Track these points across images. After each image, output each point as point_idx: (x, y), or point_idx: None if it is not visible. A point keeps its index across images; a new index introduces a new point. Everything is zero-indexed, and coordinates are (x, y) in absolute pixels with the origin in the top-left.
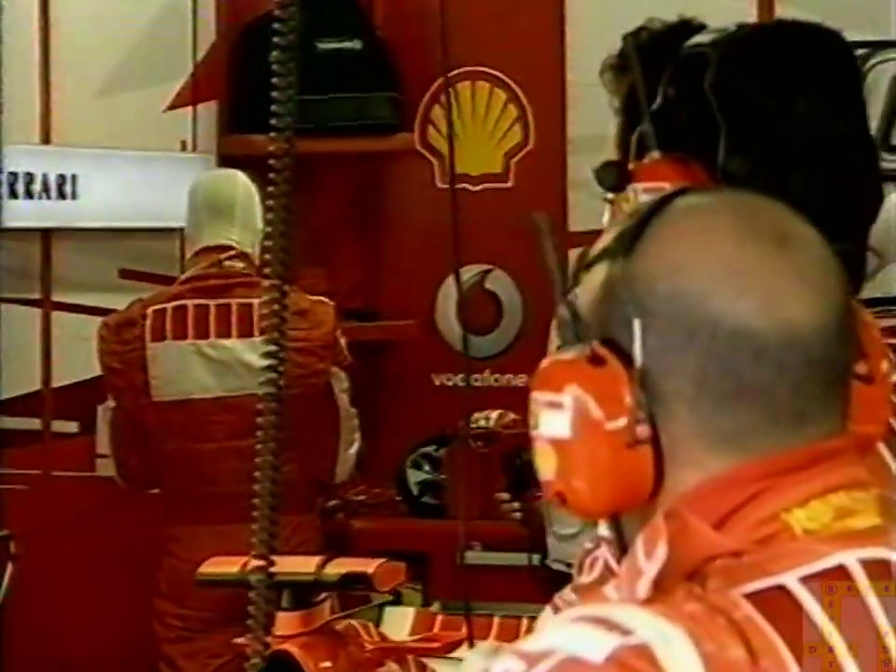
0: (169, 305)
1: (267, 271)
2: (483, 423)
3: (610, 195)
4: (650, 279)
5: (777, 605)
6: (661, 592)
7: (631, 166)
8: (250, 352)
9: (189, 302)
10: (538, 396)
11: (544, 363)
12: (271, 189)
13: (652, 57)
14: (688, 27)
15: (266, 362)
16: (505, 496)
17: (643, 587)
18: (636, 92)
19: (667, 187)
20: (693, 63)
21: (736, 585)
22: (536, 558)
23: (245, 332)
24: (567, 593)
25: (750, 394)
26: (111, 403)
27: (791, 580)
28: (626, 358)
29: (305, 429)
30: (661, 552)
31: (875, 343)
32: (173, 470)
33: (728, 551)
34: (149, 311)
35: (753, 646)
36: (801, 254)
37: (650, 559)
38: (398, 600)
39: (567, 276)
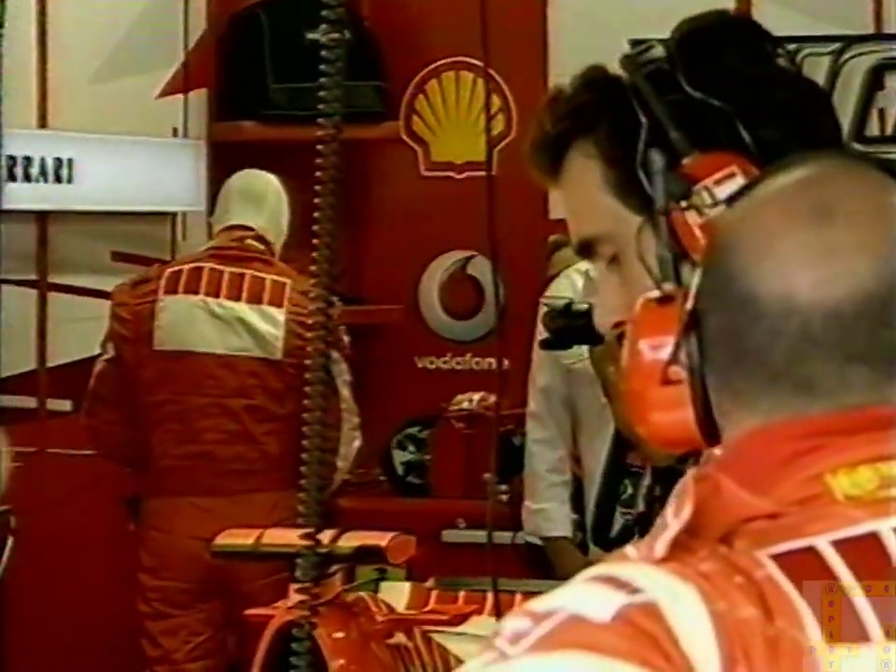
0: (186, 267)
1: (316, 242)
2: (465, 405)
3: (685, 203)
4: (715, 232)
5: (805, 566)
6: (683, 551)
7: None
8: (257, 316)
9: (206, 265)
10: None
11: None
12: (318, 173)
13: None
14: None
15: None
16: (493, 477)
17: (661, 546)
18: (618, 133)
19: (735, 170)
20: (658, 79)
21: (766, 546)
22: (520, 536)
23: (255, 300)
24: None
25: (751, 355)
26: (108, 354)
27: (822, 542)
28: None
29: (291, 403)
30: (686, 512)
31: None
32: (163, 424)
33: (764, 512)
34: (166, 271)
35: (770, 606)
36: (840, 232)
37: (676, 518)
38: (383, 577)
39: (576, 315)
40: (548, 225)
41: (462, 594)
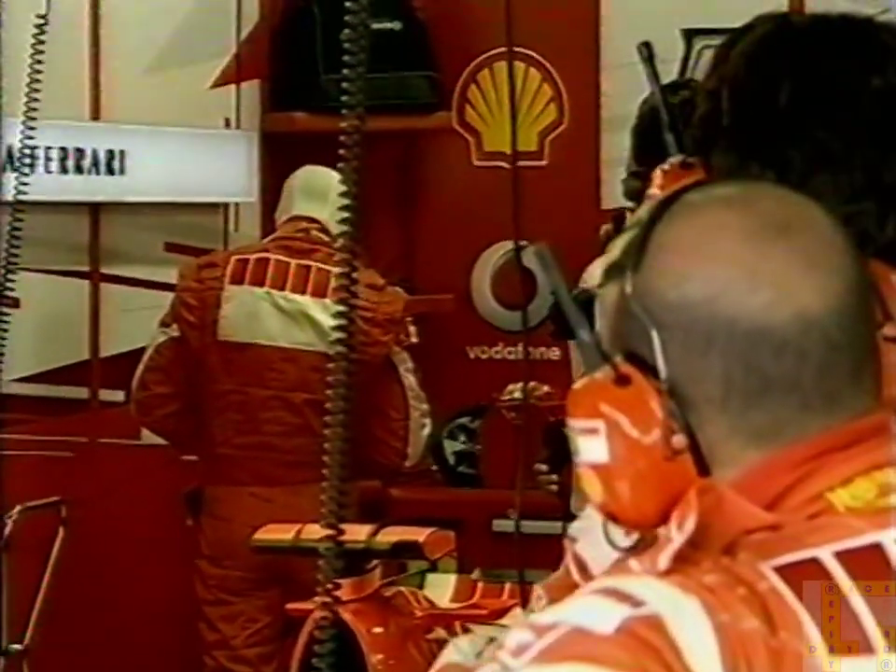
0: (252, 256)
1: (337, 240)
2: (517, 395)
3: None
4: (659, 292)
5: (808, 578)
6: (686, 563)
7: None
8: (321, 311)
9: (272, 256)
10: (573, 423)
11: (574, 389)
12: (341, 165)
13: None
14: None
15: (336, 323)
16: (543, 467)
17: (664, 559)
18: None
19: (659, 194)
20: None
21: (769, 558)
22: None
23: (320, 293)
24: None
25: (778, 387)
26: (175, 333)
27: (825, 553)
28: (651, 371)
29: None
30: (689, 524)
31: None
32: (224, 413)
33: (766, 524)
34: (233, 259)
35: (773, 617)
36: (806, 239)
37: (679, 531)
38: (434, 567)
39: (579, 304)
40: (601, 214)
41: (507, 585)
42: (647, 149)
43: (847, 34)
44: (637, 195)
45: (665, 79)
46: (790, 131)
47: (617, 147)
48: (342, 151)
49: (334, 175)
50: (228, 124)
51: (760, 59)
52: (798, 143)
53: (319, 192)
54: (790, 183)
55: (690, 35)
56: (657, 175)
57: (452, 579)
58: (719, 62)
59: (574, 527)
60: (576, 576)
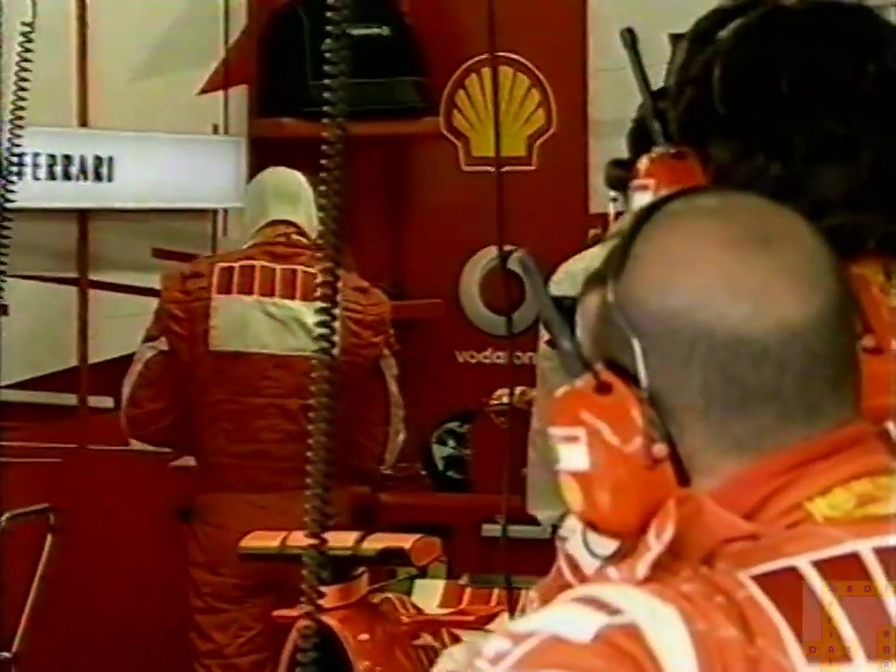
0: (237, 264)
1: (320, 243)
2: (505, 399)
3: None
4: (640, 301)
5: (785, 587)
6: (664, 572)
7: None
8: (311, 315)
9: (257, 263)
10: (554, 431)
11: (556, 397)
12: (323, 174)
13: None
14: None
15: (320, 332)
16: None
17: (642, 567)
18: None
19: (650, 184)
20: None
21: (747, 567)
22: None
23: (309, 297)
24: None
25: (758, 397)
26: (163, 347)
27: (803, 562)
28: (632, 380)
29: (344, 401)
30: (667, 533)
31: (882, 318)
32: (216, 423)
33: (745, 533)
34: (217, 267)
35: (751, 626)
36: (787, 250)
37: (657, 540)
38: (423, 573)
39: (561, 313)
40: (589, 219)
41: (496, 591)
42: (643, 153)
43: (840, 20)
44: (619, 183)
45: (653, 84)
46: (794, 119)
47: (605, 151)
48: (323, 161)
49: (301, 180)
50: (216, 130)
51: (754, 46)
52: (803, 130)
53: (290, 195)
54: (794, 171)
55: (678, 40)
56: (643, 164)
57: (440, 584)
58: (696, 50)
59: (566, 526)
60: (569, 576)
